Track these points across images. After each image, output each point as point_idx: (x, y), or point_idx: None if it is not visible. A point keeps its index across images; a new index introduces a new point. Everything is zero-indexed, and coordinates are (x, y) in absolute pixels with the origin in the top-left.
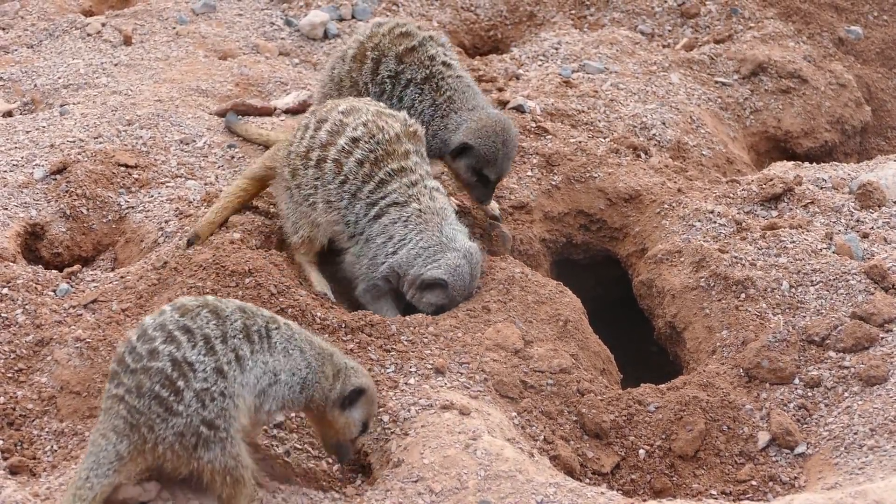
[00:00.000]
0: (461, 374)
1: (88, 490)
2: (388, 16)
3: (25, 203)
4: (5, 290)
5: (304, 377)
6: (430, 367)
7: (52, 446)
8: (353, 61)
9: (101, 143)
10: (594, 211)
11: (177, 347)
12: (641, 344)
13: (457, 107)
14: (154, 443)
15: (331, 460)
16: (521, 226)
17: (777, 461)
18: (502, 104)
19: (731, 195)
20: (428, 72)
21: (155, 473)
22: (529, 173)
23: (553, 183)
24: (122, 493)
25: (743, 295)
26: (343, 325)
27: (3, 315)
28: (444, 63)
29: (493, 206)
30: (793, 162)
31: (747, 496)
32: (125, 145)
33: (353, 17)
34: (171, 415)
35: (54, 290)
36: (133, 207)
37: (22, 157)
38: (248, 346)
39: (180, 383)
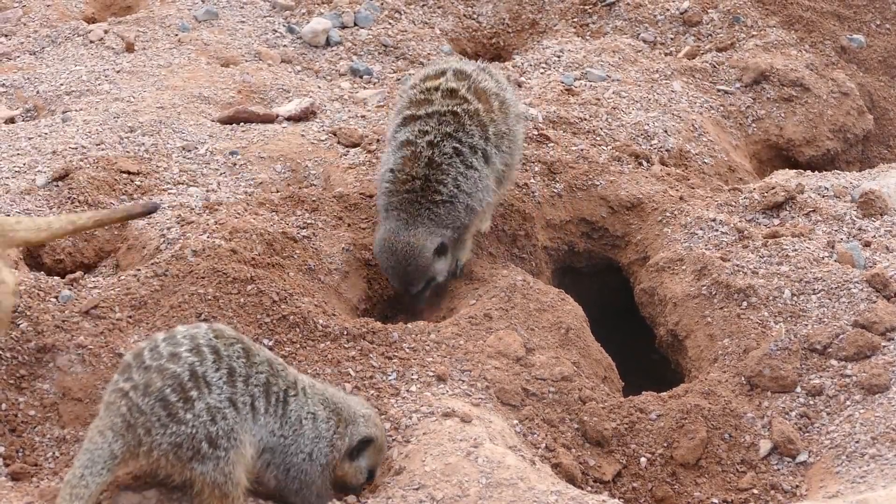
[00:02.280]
0: (463, 381)
1: (84, 488)
2: (390, 24)
3: (28, 209)
4: None
5: (311, 451)
6: (431, 374)
7: (53, 453)
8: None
9: (103, 149)
10: (596, 219)
11: (200, 362)
12: (643, 352)
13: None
14: (149, 447)
15: None
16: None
17: (779, 469)
18: None
19: (733, 203)
20: (407, 143)
21: (154, 481)
22: (532, 181)
23: (555, 191)
24: (123, 499)
25: (745, 303)
26: (345, 333)
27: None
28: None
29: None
30: (795, 170)
31: None
32: (127, 152)
33: (355, 24)
34: (173, 422)
35: (56, 297)
36: None
37: (24, 164)
38: (264, 402)
39: (193, 393)
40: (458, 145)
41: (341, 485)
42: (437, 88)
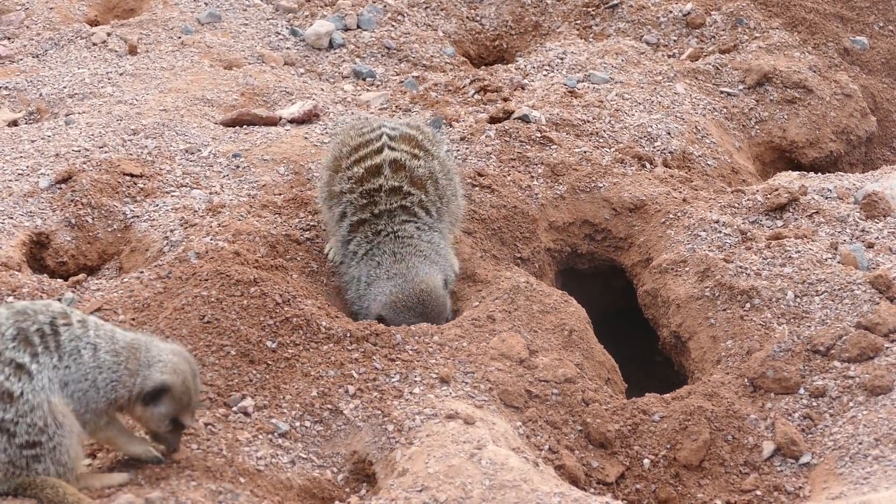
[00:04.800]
0: (466, 383)
1: None
2: (393, 26)
3: (31, 212)
4: (10, 299)
5: (95, 379)
6: (434, 376)
7: None
8: (328, 195)
9: (106, 152)
10: (599, 221)
11: None
12: (646, 353)
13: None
14: None
15: (335, 469)
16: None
17: (782, 471)
18: (507, 114)
19: (736, 205)
20: (367, 248)
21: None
22: (534, 183)
23: (558, 193)
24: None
25: (748, 305)
26: (348, 335)
27: None
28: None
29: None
30: (798, 172)
31: None
32: (130, 155)
33: (358, 26)
34: None
35: (59, 299)
36: (138, 216)
37: (27, 167)
38: (28, 351)
39: None
40: (416, 226)
41: (149, 432)
42: (378, 189)
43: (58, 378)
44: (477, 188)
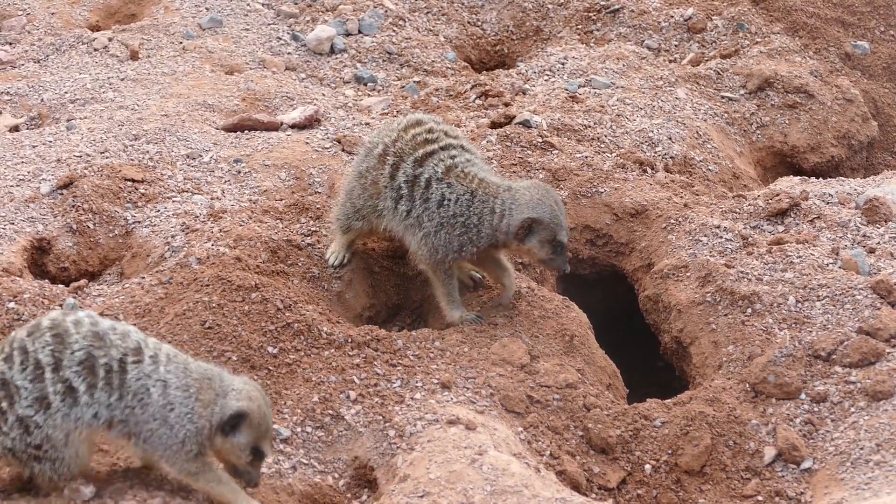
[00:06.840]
0: (467, 388)
1: None
2: (394, 31)
3: (32, 218)
4: (12, 305)
5: (166, 417)
6: (436, 381)
7: None
8: (377, 160)
9: (107, 157)
10: (600, 226)
11: (9, 367)
12: (647, 359)
13: (493, 191)
14: None
15: (336, 475)
16: None
17: (783, 476)
18: (508, 119)
19: (738, 210)
20: (449, 163)
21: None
22: None
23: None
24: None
25: (749, 310)
26: (349, 340)
27: (9, 330)
28: (466, 160)
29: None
30: (799, 177)
31: None
32: (132, 160)
33: (359, 31)
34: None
35: (61, 305)
36: (139, 222)
37: (28, 172)
38: (87, 380)
39: (4, 404)
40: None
41: (228, 465)
42: (431, 130)
43: (107, 416)
44: None
